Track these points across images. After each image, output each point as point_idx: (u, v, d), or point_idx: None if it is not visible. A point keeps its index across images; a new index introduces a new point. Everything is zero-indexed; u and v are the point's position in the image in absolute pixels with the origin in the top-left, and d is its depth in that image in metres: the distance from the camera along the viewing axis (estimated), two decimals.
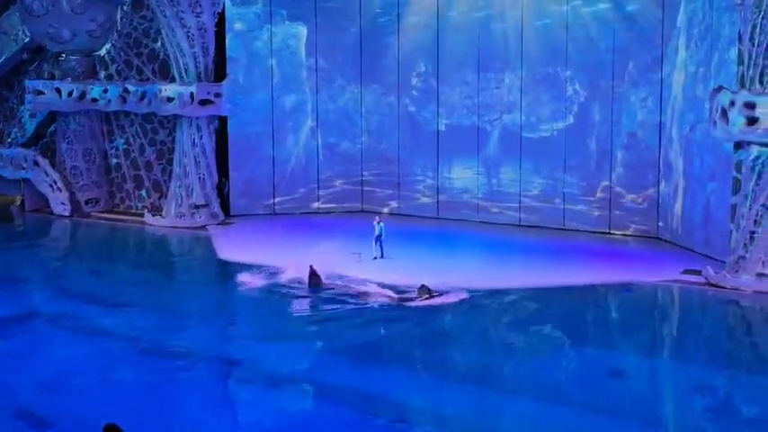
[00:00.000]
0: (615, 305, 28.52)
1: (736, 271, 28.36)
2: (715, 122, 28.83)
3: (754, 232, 28.07)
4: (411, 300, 27.14)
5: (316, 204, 41.74)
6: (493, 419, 19.20)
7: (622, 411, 19.39)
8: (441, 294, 27.31)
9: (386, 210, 40.56)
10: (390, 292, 27.78)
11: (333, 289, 28.78)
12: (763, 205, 27.85)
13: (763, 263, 27.91)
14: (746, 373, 22.38)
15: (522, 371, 22.23)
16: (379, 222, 32.89)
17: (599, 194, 36.81)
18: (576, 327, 25.74)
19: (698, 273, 29.77)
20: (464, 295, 27.49)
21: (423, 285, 27.50)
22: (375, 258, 32.27)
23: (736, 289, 28.11)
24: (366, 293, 27.99)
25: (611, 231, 36.54)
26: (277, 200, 41.43)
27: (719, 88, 28.93)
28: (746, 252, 28.20)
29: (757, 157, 28.07)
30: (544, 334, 25.08)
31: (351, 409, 19.35)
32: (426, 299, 27.01)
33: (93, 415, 18.96)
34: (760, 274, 27.91)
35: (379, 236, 32.55)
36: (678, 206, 34.06)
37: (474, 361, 22.94)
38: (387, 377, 21.56)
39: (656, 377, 22.68)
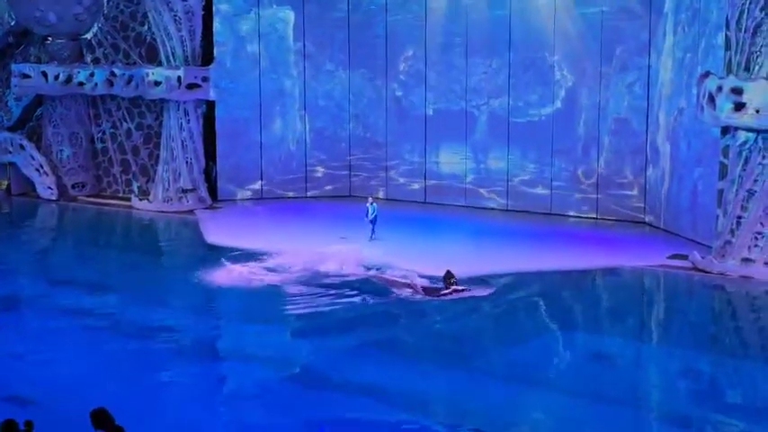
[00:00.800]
0: (601, 290, 28.57)
1: (723, 256, 28.43)
2: (702, 108, 28.85)
3: (740, 217, 28.13)
4: (438, 291, 26.44)
5: (303, 189, 41.67)
6: (467, 399, 19.28)
7: (607, 396, 19.45)
8: (468, 289, 26.41)
9: (373, 195, 40.45)
10: (419, 282, 27.05)
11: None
12: (749, 190, 27.90)
13: (749, 248, 27.98)
14: (731, 357, 22.47)
15: (506, 355, 22.28)
16: (372, 203, 32.94)
17: (586, 179, 36.82)
18: (562, 311, 25.81)
19: (684, 258, 29.85)
20: (491, 289, 26.87)
21: (448, 271, 26.71)
22: (371, 239, 32.39)
23: (722, 274, 28.18)
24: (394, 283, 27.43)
25: (599, 216, 36.58)
26: (264, 184, 41.36)
27: (707, 74, 28.94)
28: (733, 237, 28.27)
29: (744, 143, 28.12)
30: (529, 318, 25.12)
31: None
32: (452, 292, 26.17)
33: (76, 396, 19.03)
34: (746, 259, 27.98)
35: (373, 216, 32.59)
36: (665, 191, 34.11)
37: (458, 348, 23.00)
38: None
39: (641, 361, 22.74)
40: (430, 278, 27.50)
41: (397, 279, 27.43)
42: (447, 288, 26.25)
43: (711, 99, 28.25)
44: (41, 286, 29.25)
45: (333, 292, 26.68)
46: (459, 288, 26.14)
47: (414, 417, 18.13)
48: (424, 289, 26.51)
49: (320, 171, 41.86)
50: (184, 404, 19.40)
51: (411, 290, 26.54)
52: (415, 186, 40.62)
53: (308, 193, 41.65)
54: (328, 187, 41.86)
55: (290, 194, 41.46)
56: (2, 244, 35.55)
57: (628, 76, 35.57)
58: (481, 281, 27.62)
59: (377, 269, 28.59)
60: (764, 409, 19.21)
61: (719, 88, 27.95)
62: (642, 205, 35.68)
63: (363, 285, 27.19)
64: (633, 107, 35.60)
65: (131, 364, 21.83)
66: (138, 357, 22.19)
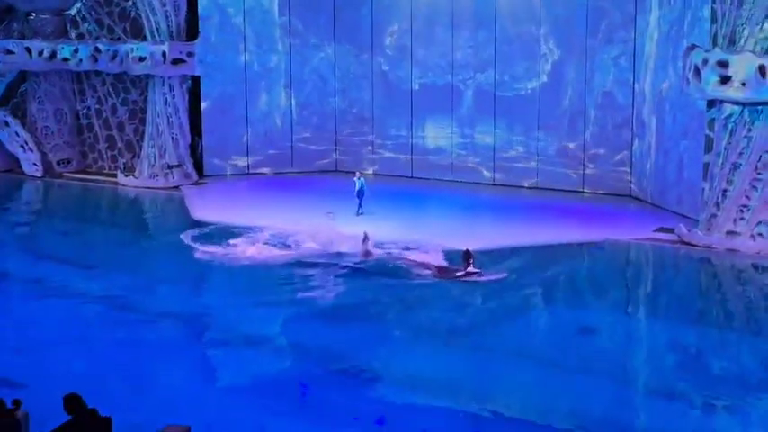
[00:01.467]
0: (588, 263, 28.62)
1: (708, 229, 28.52)
2: (688, 81, 28.87)
3: (725, 190, 28.19)
4: (453, 272, 25.82)
5: (290, 164, 41.59)
6: (459, 374, 19.36)
7: (593, 368, 19.55)
8: (480, 273, 25.53)
9: (360, 169, 40.39)
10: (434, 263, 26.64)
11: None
12: (734, 164, 27.95)
13: (734, 221, 28.06)
14: (717, 329, 22.60)
15: (495, 329, 22.36)
16: (359, 178, 32.89)
17: (572, 153, 36.84)
18: (549, 285, 25.84)
19: (670, 231, 29.92)
20: (503, 274, 25.90)
21: (466, 251, 26.06)
22: (357, 214, 32.34)
23: (708, 247, 28.27)
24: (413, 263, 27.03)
25: (585, 190, 36.63)
26: (250, 159, 41.26)
27: (692, 47, 28.95)
28: (718, 210, 28.34)
29: (729, 116, 28.15)
30: (516, 292, 25.15)
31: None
32: (465, 274, 25.43)
33: (63, 375, 19.02)
34: (731, 232, 28.07)
35: (360, 191, 32.55)
36: (651, 165, 34.17)
37: (447, 319, 23.05)
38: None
39: (626, 334, 22.84)
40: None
41: (414, 260, 27.06)
42: (462, 269, 25.63)
43: (697, 72, 28.26)
44: (27, 263, 29.18)
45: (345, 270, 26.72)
46: (473, 271, 25.42)
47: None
48: (439, 269, 26.21)
49: (306, 146, 41.76)
50: (178, 387, 19.49)
51: (429, 271, 26.21)
52: (402, 161, 40.58)
53: (295, 169, 41.56)
54: (315, 162, 41.77)
55: (277, 170, 41.37)
56: None
57: (614, 49, 35.56)
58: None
59: (393, 251, 28.13)
60: (749, 380, 19.35)
61: (705, 61, 27.95)
62: (628, 179, 35.74)
63: (379, 266, 26.97)
64: (619, 81, 35.61)
65: (120, 342, 21.84)
66: (131, 337, 22.20)
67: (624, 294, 26.12)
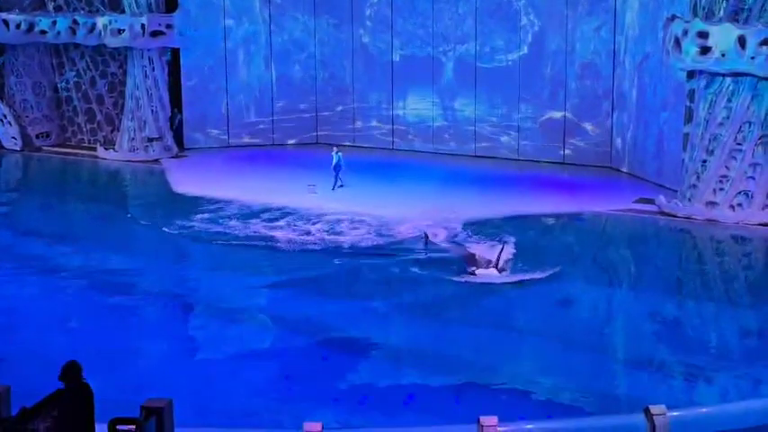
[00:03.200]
0: (567, 234, 28.67)
1: (689, 199, 28.63)
2: (668, 52, 28.90)
3: (705, 161, 28.29)
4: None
5: (270, 137, 41.47)
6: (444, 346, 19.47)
7: (576, 340, 19.68)
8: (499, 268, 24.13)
9: (340, 142, 40.37)
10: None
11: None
12: (714, 134, 28.03)
13: (714, 191, 28.16)
14: (694, 300, 22.76)
15: (475, 300, 22.46)
16: (337, 152, 32.83)
17: (553, 125, 36.84)
18: (528, 256, 25.79)
19: (651, 202, 30.03)
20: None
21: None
22: (334, 189, 32.22)
23: (688, 218, 28.39)
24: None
25: (566, 161, 36.67)
26: (231, 132, 41.11)
27: (673, 17, 28.95)
28: (698, 181, 28.44)
29: (708, 86, 28.19)
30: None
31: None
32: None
33: (43, 349, 19.03)
34: (711, 203, 28.19)
35: (337, 165, 32.48)
36: (631, 135, 34.22)
37: (430, 294, 23.11)
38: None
39: (604, 304, 22.95)
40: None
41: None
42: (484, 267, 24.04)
43: (677, 43, 28.28)
44: (6, 237, 29.07)
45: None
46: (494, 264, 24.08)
47: None
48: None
49: (286, 118, 41.62)
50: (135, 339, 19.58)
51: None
52: (383, 133, 40.51)
53: (275, 141, 41.44)
54: (295, 134, 41.65)
55: (257, 142, 41.25)
56: None
57: (594, 20, 35.51)
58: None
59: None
60: (727, 348, 19.53)
61: (685, 32, 27.98)
62: (609, 150, 35.78)
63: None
64: (599, 51, 35.59)
65: (100, 315, 21.84)
66: (99, 308, 22.24)
67: (602, 264, 26.17)
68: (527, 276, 23.46)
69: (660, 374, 18.18)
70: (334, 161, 32.68)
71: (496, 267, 23.88)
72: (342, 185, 32.53)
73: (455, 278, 23.53)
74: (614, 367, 18.78)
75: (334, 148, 33.58)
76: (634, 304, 22.76)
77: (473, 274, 23.71)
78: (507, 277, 23.58)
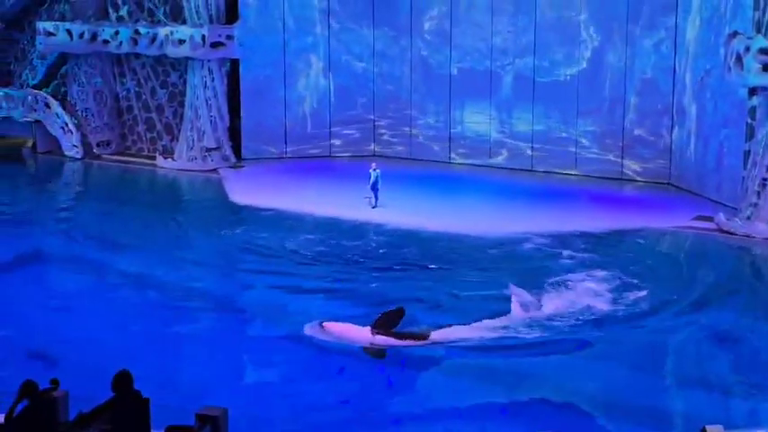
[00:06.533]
0: (626, 251, 28.31)
1: (748, 218, 28.28)
2: (730, 68, 28.63)
3: (766, 179, 27.94)
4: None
5: (327, 148, 41.59)
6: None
7: (636, 361, 19.57)
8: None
9: (397, 155, 40.41)
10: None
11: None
12: None
13: None
14: (756, 320, 22.47)
15: None
16: (374, 170, 32.55)
17: (611, 140, 36.59)
18: (587, 271, 25.60)
19: (710, 219, 29.72)
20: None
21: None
22: (374, 207, 32.11)
23: (747, 236, 28.04)
24: None
25: (624, 177, 36.39)
26: (288, 143, 41.29)
27: (735, 33, 28.69)
28: (758, 199, 28.09)
29: None
30: (557, 280, 24.99)
31: None
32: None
33: (98, 352, 19.25)
34: None
35: (375, 183, 32.28)
36: (691, 152, 33.90)
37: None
38: None
39: (664, 322, 22.68)
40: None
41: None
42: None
43: (739, 59, 28.01)
44: (67, 244, 29.43)
45: None
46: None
47: None
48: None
49: (344, 130, 41.71)
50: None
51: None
52: (439, 146, 40.45)
53: (332, 152, 41.54)
54: (351, 146, 41.72)
55: (314, 153, 41.37)
56: (28, 202, 35.82)
57: (654, 35, 35.24)
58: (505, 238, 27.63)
59: None
60: None
61: (747, 48, 27.71)
62: (668, 166, 35.45)
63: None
64: (660, 67, 35.30)
65: (158, 322, 22.03)
66: (173, 318, 22.41)
67: (661, 282, 25.75)
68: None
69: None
70: (372, 179, 32.41)
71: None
72: (374, 206, 32.23)
73: None
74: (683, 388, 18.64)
75: (373, 165, 33.22)
76: (692, 321, 22.44)
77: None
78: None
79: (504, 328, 21.06)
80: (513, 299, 22.50)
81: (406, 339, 20.42)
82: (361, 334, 20.50)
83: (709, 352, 21.15)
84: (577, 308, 22.28)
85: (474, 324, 21.14)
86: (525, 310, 21.91)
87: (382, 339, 20.28)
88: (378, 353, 20.02)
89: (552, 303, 22.65)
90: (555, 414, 17.08)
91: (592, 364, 19.82)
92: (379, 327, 20.59)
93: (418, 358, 19.89)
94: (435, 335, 20.62)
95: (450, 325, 21.17)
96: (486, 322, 21.25)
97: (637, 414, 17.25)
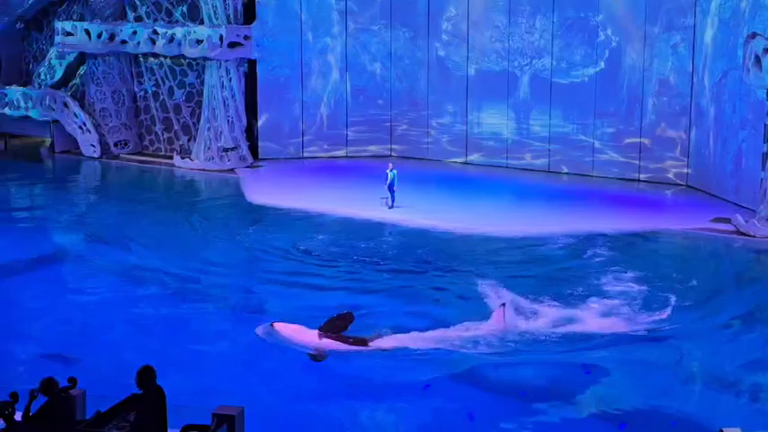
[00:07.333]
0: (642, 252, 28.20)
1: (766, 219, 28.15)
2: (748, 70, 28.51)
3: None
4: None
5: (344, 148, 41.62)
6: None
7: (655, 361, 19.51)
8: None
9: (414, 155, 40.42)
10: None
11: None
12: None
13: None
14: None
15: None
16: (391, 170, 32.54)
17: (629, 141, 36.52)
18: (602, 272, 25.53)
19: (728, 221, 29.59)
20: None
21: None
22: (391, 207, 32.08)
23: (766, 237, 27.90)
24: None
25: (641, 178, 36.29)
26: (305, 143, 41.33)
27: (753, 35, 28.57)
28: None
29: None
30: (574, 280, 24.91)
31: None
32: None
33: (115, 351, 19.30)
34: None
35: (392, 184, 32.24)
36: (709, 154, 33.78)
37: None
38: None
39: (680, 324, 22.56)
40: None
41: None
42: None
43: (758, 61, 27.89)
44: (85, 243, 29.54)
45: None
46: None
47: None
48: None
49: (361, 130, 41.73)
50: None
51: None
52: (456, 147, 40.43)
53: (349, 153, 41.58)
54: (369, 147, 41.74)
55: (331, 153, 41.41)
56: (46, 201, 35.98)
57: (672, 36, 35.15)
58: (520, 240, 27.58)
59: None
60: None
61: (766, 50, 27.58)
62: (685, 168, 35.35)
63: None
64: (677, 68, 35.21)
65: (175, 321, 22.08)
66: (171, 312, 22.47)
67: (676, 284, 25.56)
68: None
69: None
70: (389, 179, 32.31)
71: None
72: (390, 207, 32.17)
73: None
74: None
75: (389, 165, 33.18)
76: (708, 323, 22.32)
77: None
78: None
79: (462, 339, 20.37)
80: (494, 305, 21.96)
81: (351, 344, 20.32)
82: (309, 336, 20.46)
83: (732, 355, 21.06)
84: (571, 328, 21.09)
85: (429, 333, 20.67)
86: (506, 320, 21.04)
87: (328, 343, 20.26)
88: (318, 356, 19.93)
89: (546, 318, 21.60)
90: None
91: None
92: (327, 330, 20.66)
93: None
94: (377, 342, 20.30)
95: (418, 331, 20.78)
96: (449, 331, 20.72)
97: None
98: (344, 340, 20.39)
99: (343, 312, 21.52)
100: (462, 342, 20.20)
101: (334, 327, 20.81)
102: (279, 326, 20.69)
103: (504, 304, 21.43)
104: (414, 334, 20.56)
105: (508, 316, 21.10)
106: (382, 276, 25.29)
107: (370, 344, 20.26)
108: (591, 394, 18.16)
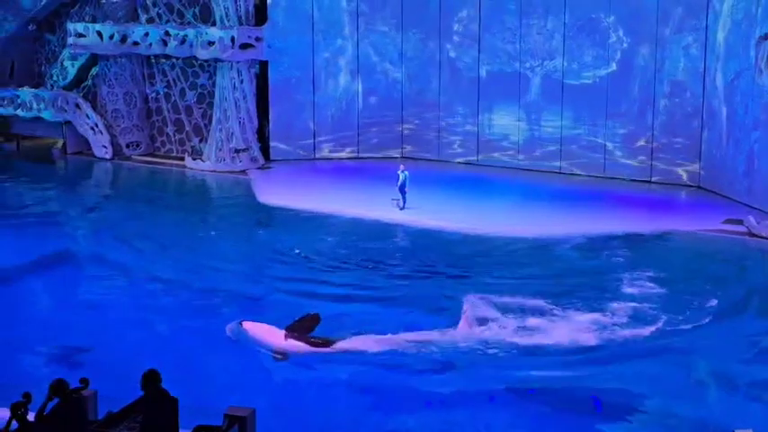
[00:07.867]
0: (654, 254, 28.15)
1: None
2: (761, 70, 28.47)
3: None
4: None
5: (355, 149, 41.63)
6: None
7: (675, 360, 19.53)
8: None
9: (425, 156, 40.42)
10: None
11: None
12: None
13: None
14: None
15: None
16: (402, 171, 32.52)
17: (640, 142, 36.46)
18: (613, 274, 25.50)
19: (739, 222, 29.53)
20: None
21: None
22: (402, 209, 32.05)
23: None
24: None
25: (653, 180, 36.24)
26: (317, 145, 41.35)
27: (766, 36, 28.53)
28: None
29: None
30: (584, 282, 24.89)
31: None
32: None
33: (126, 355, 19.35)
34: None
35: (403, 185, 32.23)
36: (721, 155, 33.71)
37: None
38: None
39: (692, 323, 22.50)
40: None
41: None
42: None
43: None
44: (95, 242, 29.60)
45: None
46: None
47: None
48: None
49: (372, 131, 41.74)
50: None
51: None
52: (468, 148, 40.40)
53: (360, 154, 41.59)
54: (380, 148, 41.73)
55: (342, 155, 41.44)
56: (58, 202, 36.05)
57: (684, 37, 35.08)
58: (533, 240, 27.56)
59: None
60: None
61: None
62: (697, 169, 35.27)
63: None
64: (689, 69, 35.14)
65: (186, 322, 22.12)
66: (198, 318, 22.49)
67: (688, 285, 25.49)
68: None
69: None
70: (401, 180, 32.31)
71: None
72: (402, 208, 32.15)
73: None
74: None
75: (401, 166, 33.18)
76: (721, 324, 22.26)
77: None
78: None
79: (424, 343, 20.40)
80: (466, 313, 21.78)
81: (315, 345, 20.43)
82: (275, 336, 20.62)
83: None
84: (534, 340, 20.74)
85: (393, 336, 20.70)
86: (473, 328, 20.99)
87: (293, 344, 20.38)
88: (280, 356, 20.07)
89: (510, 328, 21.25)
90: None
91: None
92: (293, 331, 20.79)
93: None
94: (340, 344, 20.40)
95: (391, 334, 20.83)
96: (411, 335, 20.76)
97: None
98: (309, 342, 20.52)
99: (310, 313, 21.66)
100: (419, 347, 20.28)
101: (302, 327, 21.03)
102: (248, 325, 20.96)
103: (465, 311, 21.52)
104: (377, 337, 20.64)
105: (471, 323, 21.10)
106: (390, 282, 25.21)
107: (334, 346, 20.39)
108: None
